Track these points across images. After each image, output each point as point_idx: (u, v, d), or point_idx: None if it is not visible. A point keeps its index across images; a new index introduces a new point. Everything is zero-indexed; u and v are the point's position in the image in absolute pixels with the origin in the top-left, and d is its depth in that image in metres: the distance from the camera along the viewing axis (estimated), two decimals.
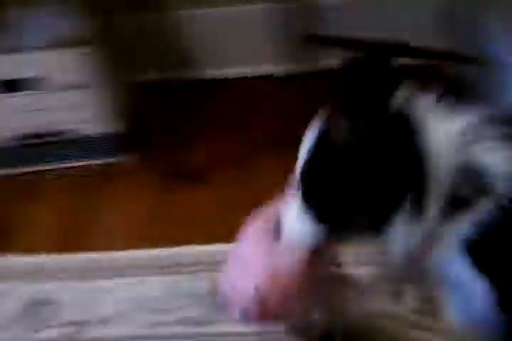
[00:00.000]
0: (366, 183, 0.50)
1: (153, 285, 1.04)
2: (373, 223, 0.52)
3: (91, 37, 1.32)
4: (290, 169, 0.56)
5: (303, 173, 0.55)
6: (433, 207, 0.50)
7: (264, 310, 0.64)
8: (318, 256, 0.61)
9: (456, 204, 0.50)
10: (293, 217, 0.57)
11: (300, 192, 0.55)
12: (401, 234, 0.52)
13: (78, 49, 1.30)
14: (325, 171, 0.52)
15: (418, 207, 0.50)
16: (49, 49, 1.30)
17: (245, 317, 0.66)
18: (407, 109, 0.50)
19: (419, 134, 0.49)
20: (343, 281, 0.69)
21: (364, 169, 0.50)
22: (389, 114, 0.50)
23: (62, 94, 1.35)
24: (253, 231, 0.66)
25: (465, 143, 0.50)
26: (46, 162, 1.42)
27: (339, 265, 0.68)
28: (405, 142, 0.49)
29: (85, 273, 1.09)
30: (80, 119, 1.38)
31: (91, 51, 1.31)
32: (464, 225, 0.50)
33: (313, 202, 0.54)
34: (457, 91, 0.55)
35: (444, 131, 0.50)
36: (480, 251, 0.51)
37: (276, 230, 0.61)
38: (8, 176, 1.40)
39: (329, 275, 0.67)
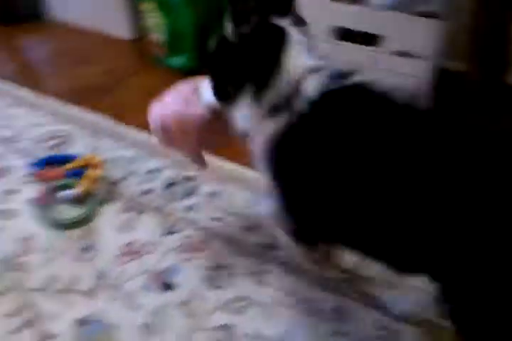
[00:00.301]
0: (234, 73, 0.74)
1: None
2: (231, 97, 0.76)
3: (442, 12, 1.31)
4: None
5: (208, 69, 0.80)
6: (265, 102, 0.72)
7: (167, 138, 0.89)
8: (216, 115, 0.84)
9: (278, 108, 0.71)
10: (206, 88, 0.82)
11: (209, 78, 0.81)
12: (242, 112, 0.76)
13: (427, 20, 1.30)
14: (216, 68, 0.78)
15: (256, 97, 0.73)
16: (399, 12, 1.32)
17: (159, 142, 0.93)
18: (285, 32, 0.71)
19: (284, 53, 0.71)
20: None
21: (234, 64, 0.74)
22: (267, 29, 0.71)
23: (395, 58, 1.38)
24: (179, 88, 0.90)
25: (304, 72, 0.70)
26: None
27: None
28: (272, 52, 0.71)
29: None
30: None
31: (438, 25, 1.31)
32: (275, 124, 0.72)
33: (213, 85, 0.80)
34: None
35: (300, 60, 0.71)
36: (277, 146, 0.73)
37: (194, 93, 0.86)
38: None
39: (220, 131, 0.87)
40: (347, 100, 0.68)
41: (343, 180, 0.66)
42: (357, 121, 0.66)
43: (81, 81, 1.70)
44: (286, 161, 0.73)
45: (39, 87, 1.64)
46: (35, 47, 2.00)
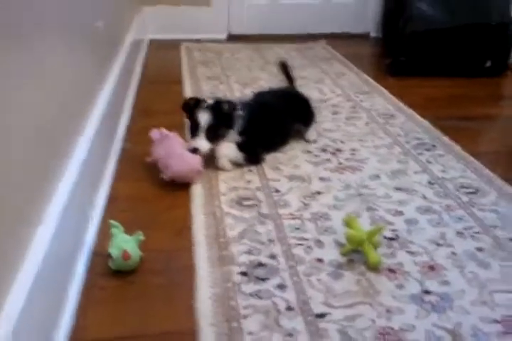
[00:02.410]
0: (217, 130, 1.64)
1: None
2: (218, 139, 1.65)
3: None
4: None
5: (208, 128, 1.61)
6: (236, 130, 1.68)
7: (170, 174, 1.55)
8: (205, 153, 1.63)
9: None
10: (200, 142, 1.62)
11: (204, 134, 1.61)
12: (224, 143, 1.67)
13: None
14: (213, 128, 1.62)
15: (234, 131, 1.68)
16: None
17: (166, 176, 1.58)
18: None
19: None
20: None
21: (217, 125, 1.63)
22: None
23: None
24: (172, 137, 1.63)
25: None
26: None
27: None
28: (230, 115, 1.66)
29: None
30: None
31: None
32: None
33: (209, 137, 1.62)
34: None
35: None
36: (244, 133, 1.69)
37: (190, 146, 1.62)
38: None
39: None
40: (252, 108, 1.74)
41: (268, 125, 1.74)
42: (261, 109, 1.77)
43: None
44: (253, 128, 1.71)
45: None
46: None
